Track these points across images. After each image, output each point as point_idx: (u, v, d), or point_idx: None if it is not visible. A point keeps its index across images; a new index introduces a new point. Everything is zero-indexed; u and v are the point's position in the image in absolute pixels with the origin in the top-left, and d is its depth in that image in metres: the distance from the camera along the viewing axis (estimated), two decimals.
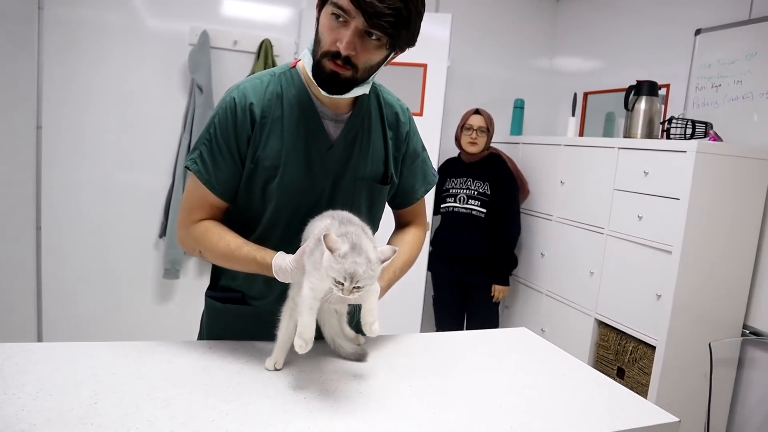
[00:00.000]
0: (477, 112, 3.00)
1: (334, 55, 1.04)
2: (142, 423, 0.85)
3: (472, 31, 3.50)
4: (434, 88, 3.18)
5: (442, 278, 3.16)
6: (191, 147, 2.42)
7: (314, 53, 1.09)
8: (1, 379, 0.94)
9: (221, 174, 1.15)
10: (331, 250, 0.91)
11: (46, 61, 2.78)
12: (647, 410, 1.07)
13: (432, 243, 3.16)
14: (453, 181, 3.06)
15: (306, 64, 1.12)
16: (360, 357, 1.17)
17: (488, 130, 2.98)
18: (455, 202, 3.02)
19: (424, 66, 3.21)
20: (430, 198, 3.35)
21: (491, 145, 3.08)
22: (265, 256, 1.08)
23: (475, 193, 2.98)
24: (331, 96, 1.11)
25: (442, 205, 3.08)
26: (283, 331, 1.09)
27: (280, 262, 1.04)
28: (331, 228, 0.97)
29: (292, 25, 3.14)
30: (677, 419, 1.03)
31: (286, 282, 1.06)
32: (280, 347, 1.09)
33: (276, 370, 1.08)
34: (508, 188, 3.00)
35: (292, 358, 1.10)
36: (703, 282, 2.28)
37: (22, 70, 2.67)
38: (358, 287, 0.92)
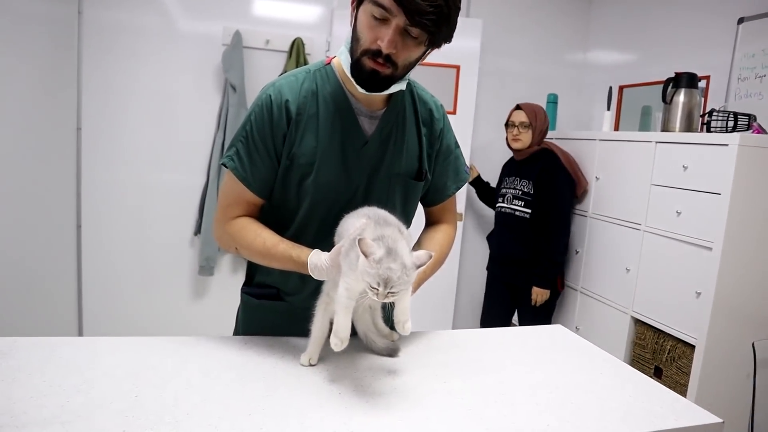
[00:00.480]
0: (518, 107, 2.89)
1: (375, 54, 1.05)
2: (182, 416, 0.87)
3: (504, 27, 3.46)
4: (467, 89, 3.23)
5: (493, 279, 3.13)
6: (227, 144, 2.45)
7: (352, 51, 1.09)
8: (47, 372, 0.97)
9: (257, 171, 1.16)
10: (366, 255, 0.91)
11: (85, 64, 2.86)
12: (688, 410, 1.04)
13: (489, 244, 3.15)
14: (505, 180, 3.00)
15: (343, 62, 1.12)
16: (392, 352, 1.18)
17: (531, 124, 2.84)
18: (503, 202, 2.95)
19: (458, 67, 3.22)
20: (462, 195, 3.34)
21: (546, 140, 2.95)
22: (301, 254, 1.09)
23: (520, 192, 2.87)
24: (369, 93, 1.12)
25: (496, 205, 3.03)
26: (317, 326, 1.09)
27: (316, 260, 1.05)
28: (366, 229, 0.96)
29: (323, 24, 3.16)
30: (721, 420, 1.00)
31: (321, 279, 1.07)
32: (314, 343, 1.10)
33: (311, 365, 1.09)
34: (553, 187, 2.81)
35: (325, 353, 1.11)
36: (746, 279, 2.21)
37: (62, 73, 2.76)
38: (393, 292, 0.91)
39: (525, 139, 2.85)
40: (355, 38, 1.09)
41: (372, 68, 1.07)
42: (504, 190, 2.97)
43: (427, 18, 1.00)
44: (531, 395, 1.05)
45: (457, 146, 1.36)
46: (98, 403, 0.88)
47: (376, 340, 1.18)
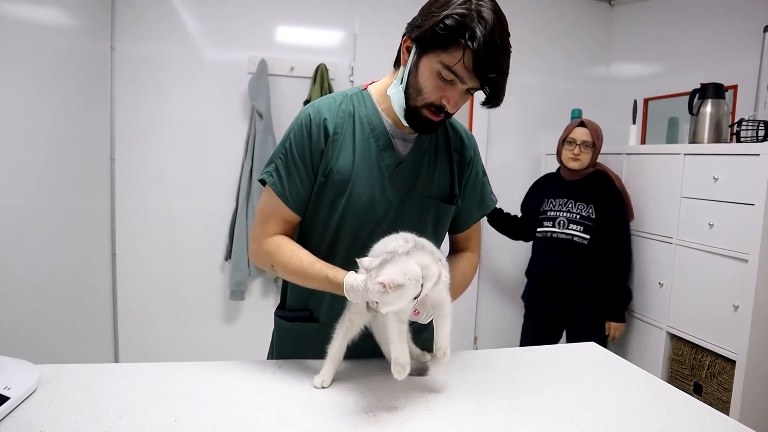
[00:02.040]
0: (582, 124, 2.67)
1: (438, 109, 1.11)
2: None
3: (524, 42, 3.46)
4: (481, 111, 3.30)
5: (535, 309, 2.85)
6: (261, 165, 2.51)
7: (411, 98, 1.13)
8: (90, 398, 1.00)
9: (295, 187, 1.20)
10: (366, 271, 0.92)
11: (118, 97, 2.96)
12: (729, 427, 1.02)
13: (528, 271, 2.86)
14: (551, 202, 2.70)
15: (396, 102, 1.17)
16: (421, 372, 1.18)
17: (594, 144, 2.63)
18: (554, 226, 2.66)
19: None
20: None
21: (597, 161, 2.76)
22: (337, 274, 1.10)
23: (578, 216, 2.61)
24: (418, 133, 1.20)
25: (538, 229, 2.72)
26: (334, 349, 1.11)
27: (352, 281, 1.06)
28: (399, 250, 0.97)
29: (346, 49, 3.21)
30: None
31: (356, 302, 1.08)
32: (329, 365, 1.11)
33: (323, 387, 1.10)
34: (617, 211, 2.61)
35: (361, 375, 1.12)
36: None
37: (96, 106, 2.86)
38: (376, 302, 0.93)
39: (585, 159, 2.64)
40: (416, 88, 1.12)
41: (429, 118, 1.13)
42: (553, 213, 2.68)
43: (496, 87, 1.08)
44: (566, 415, 1.03)
45: (485, 174, 1.39)
46: (139, 428, 0.90)
47: None
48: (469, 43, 1.02)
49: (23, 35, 2.12)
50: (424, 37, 1.07)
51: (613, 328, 2.63)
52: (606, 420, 1.02)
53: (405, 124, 1.17)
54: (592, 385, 1.19)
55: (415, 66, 1.12)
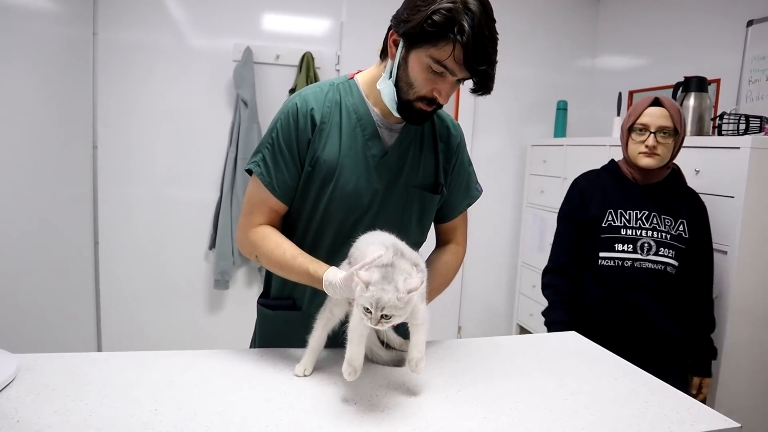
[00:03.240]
0: (657, 102, 1.87)
1: (429, 101, 1.12)
2: (201, 429, 0.88)
3: (510, 33, 3.47)
4: (467, 102, 3.28)
5: None
6: (250, 150, 2.50)
7: (403, 92, 1.14)
8: (69, 387, 0.99)
9: (282, 177, 1.20)
10: (363, 282, 0.92)
11: (100, 84, 2.92)
12: (705, 415, 1.03)
13: (583, 307, 1.90)
14: (624, 216, 1.87)
15: (387, 96, 1.17)
16: (398, 363, 1.18)
17: (677, 131, 1.85)
18: (636, 251, 1.83)
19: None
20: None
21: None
22: (318, 269, 1.10)
23: (667, 236, 1.84)
24: (410, 125, 1.21)
25: (604, 254, 1.85)
26: (315, 338, 1.11)
27: (331, 278, 1.06)
28: (383, 258, 0.97)
29: (332, 37, 3.20)
30: (738, 425, 1.00)
31: (336, 297, 1.08)
32: (310, 354, 1.12)
33: (305, 376, 1.10)
34: (707, 228, 1.95)
35: (337, 364, 1.12)
36: (763, 282, 2.18)
37: (78, 93, 2.82)
38: (386, 316, 0.91)
39: (664, 152, 1.85)
40: (406, 82, 1.13)
41: (421, 109, 1.14)
42: (632, 232, 1.85)
43: (487, 78, 1.10)
44: (545, 402, 1.05)
45: (471, 164, 1.39)
46: (120, 417, 0.90)
47: (380, 354, 1.19)
48: (459, 37, 1.02)
49: (1, 21, 2.08)
50: (412, 32, 1.08)
51: (704, 384, 1.96)
52: (585, 407, 1.03)
53: (397, 116, 1.18)
54: (572, 374, 1.21)
55: (404, 60, 1.12)
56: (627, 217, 1.88)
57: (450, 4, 1.03)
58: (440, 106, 1.17)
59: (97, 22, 2.87)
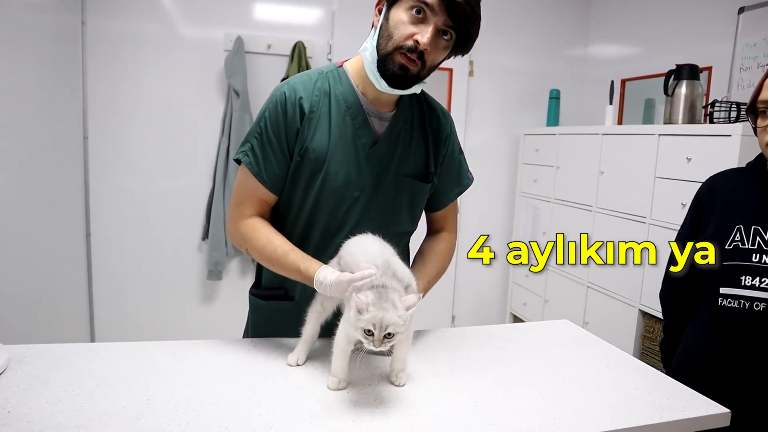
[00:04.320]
0: None
1: (409, 49, 1.09)
2: (193, 418, 0.88)
3: (504, 22, 3.47)
4: (459, 90, 3.30)
5: None
6: (238, 143, 2.49)
7: (382, 47, 1.12)
8: (61, 378, 0.99)
9: (271, 166, 1.19)
10: (358, 308, 0.91)
11: (90, 74, 2.89)
12: (695, 400, 1.05)
13: (698, 357, 1.35)
14: (758, 236, 1.27)
15: (367, 58, 1.15)
16: (387, 352, 1.18)
17: None
18: None
19: (450, 70, 3.27)
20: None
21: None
22: (309, 267, 1.10)
23: None
24: (393, 91, 1.15)
25: (723, 290, 1.29)
26: (308, 330, 1.12)
27: (322, 278, 1.06)
28: (374, 279, 0.96)
29: (324, 27, 3.17)
30: (727, 410, 1.01)
31: (327, 295, 1.08)
32: (303, 344, 1.12)
33: (297, 365, 1.11)
34: None
35: (330, 354, 1.12)
36: None
37: (68, 83, 2.79)
38: (389, 334, 0.91)
39: None
40: (386, 35, 1.11)
41: (402, 63, 1.10)
42: (764, 257, 1.24)
43: (468, 21, 1.08)
44: (538, 390, 1.06)
45: (461, 152, 1.38)
46: (112, 407, 0.90)
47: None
48: None
49: None
50: None
51: None
52: (576, 395, 1.04)
53: (379, 85, 1.14)
54: (564, 361, 1.21)
55: (386, 18, 1.12)
56: (766, 238, 1.26)
57: None
58: (423, 66, 1.11)
59: (86, 11, 2.83)
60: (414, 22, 1.08)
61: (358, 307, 0.91)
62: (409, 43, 1.08)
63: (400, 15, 1.09)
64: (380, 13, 1.14)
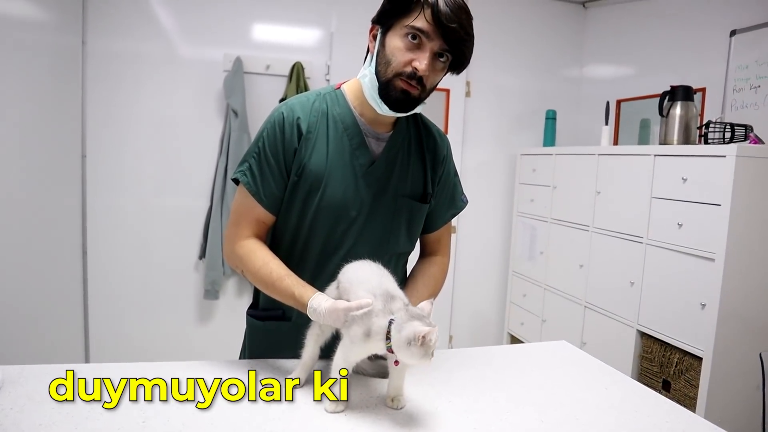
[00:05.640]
0: None
1: (409, 76, 1.11)
2: None
3: (500, 43, 3.51)
4: (456, 111, 3.34)
5: None
6: (236, 163, 2.51)
7: (382, 74, 1.14)
8: (55, 399, 0.98)
9: (268, 186, 1.19)
10: (423, 340, 0.90)
11: (89, 93, 2.91)
12: (693, 423, 1.04)
13: None
14: None
15: (367, 85, 1.17)
16: (383, 375, 1.18)
17: None
18: None
19: (447, 91, 3.30)
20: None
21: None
22: (303, 294, 1.09)
23: None
24: (395, 114, 1.17)
25: None
26: (307, 353, 1.11)
27: (316, 305, 1.05)
28: (374, 306, 0.97)
29: (322, 47, 3.21)
30: None
31: (320, 323, 1.07)
32: (302, 367, 1.12)
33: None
34: None
35: (328, 375, 1.11)
36: (750, 289, 2.20)
37: (67, 102, 2.80)
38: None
39: None
40: (384, 62, 1.13)
41: (403, 89, 1.12)
42: None
43: (461, 44, 1.10)
44: (536, 412, 1.05)
45: (456, 174, 1.40)
46: (107, 429, 0.89)
47: (365, 367, 1.18)
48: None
49: None
50: (385, 10, 1.13)
51: None
52: (574, 417, 1.03)
53: (380, 109, 1.16)
54: (563, 383, 1.21)
55: (382, 45, 1.14)
56: None
57: None
58: (423, 89, 1.14)
59: (86, 31, 2.86)
60: (410, 48, 1.10)
61: (424, 335, 0.90)
62: (408, 69, 1.10)
63: (396, 42, 1.11)
64: (375, 39, 1.16)
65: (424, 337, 0.89)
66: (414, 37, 1.09)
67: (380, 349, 0.96)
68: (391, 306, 0.97)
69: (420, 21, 1.08)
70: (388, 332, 0.93)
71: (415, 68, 1.10)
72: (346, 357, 0.98)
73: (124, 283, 3.07)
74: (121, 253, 3.05)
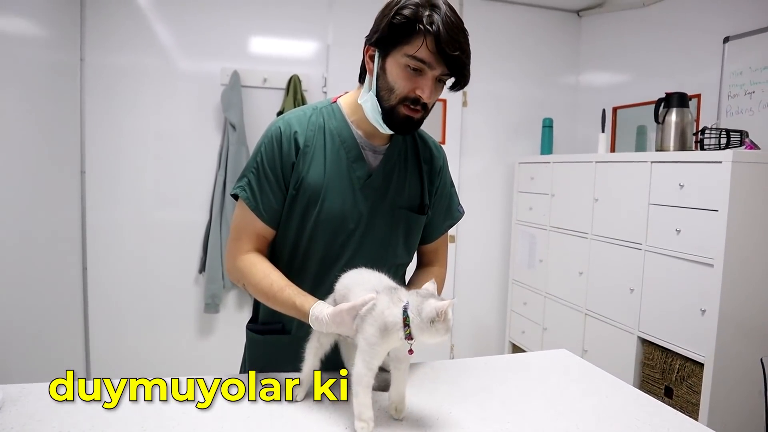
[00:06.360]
0: None
1: (413, 102, 1.12)
2: None
3: (496, 52, 3.53)
4: (453, 120, 3.37)
5: None
6: (235, 177, 2.52)
7: (385, 100, 1.14)
8: (56, 416, 0.98)
9: (267, 200, 1.20)
10: (444, 315, 0.91)
11: (88, 108, 2.92)
12: (696, 430, 1.04)
13: None
14: None
15: (369, 109, 1.18)
16: (384, 387, 1.18)
17: None
18: None
19: (444, 101, 3.33)
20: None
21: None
22: (304, 303, 1.10)
23: None
24: (399, 135, 1.21)
25: None
26: (307, 367, 1.11)
27: (317, 313, 1.06)
28: (379, 301, 0.96)
29: (319, 60, 3.22)
30: None
31: (321, 331, 1.07)
32: (302, 385, 1.11)
33: (296, 401, 1.10)
34: None
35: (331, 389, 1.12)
36: (750, 294, 2.21)
37: (66, 118, 2.81)
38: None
39: None
40: (386, 88, 1.14)
41: (406, 114, 1.14)
42: None
43: (462, 68, 1.10)
44: (537, 422, 1.05)
45: (452, 185, 1.41)
46: None
47: None
48: (429, 27, 1.06)
49: None
50: (384, 36, 1.11)
51: None
52: (575, 426, 1.03)
53: (383, 130, 1.18)
54: (563, 392, 1.21)
55: (382, 69, 1.14)
56: None
57: (414, 5, 1.08)
58: (426, 110, 1.16)
59: (84, 48, 2.88)
60: (412, 76, 1.11)
61: (445, 309, 0.91)
62: (412, 96, 1.12)
63: (398, 69, 1.11)
64: (372, 60, 1.16)
65: (445, 312, 0.90)
66: (416, 65, 1.09)
67: (398, 340, 0.94)
68: (397, 295, 0.96)
69: (422, 51, 1.07)
70: (405, 319, 0.92)
71: (419, 96, 1.11)
72: (368, 363, 0.95)
73: (124, 298, 3.07)
74: (121, 268, 3.05)
